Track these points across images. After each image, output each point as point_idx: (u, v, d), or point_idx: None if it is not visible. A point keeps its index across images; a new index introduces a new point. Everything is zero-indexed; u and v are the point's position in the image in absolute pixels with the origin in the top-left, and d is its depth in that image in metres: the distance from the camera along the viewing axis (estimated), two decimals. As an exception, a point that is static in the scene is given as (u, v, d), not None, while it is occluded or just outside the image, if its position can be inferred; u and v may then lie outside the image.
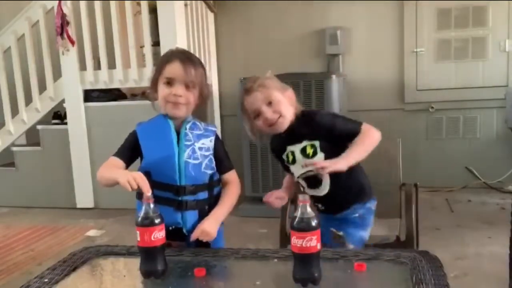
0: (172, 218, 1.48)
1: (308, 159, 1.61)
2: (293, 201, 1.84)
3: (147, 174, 1.44)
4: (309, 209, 1.09)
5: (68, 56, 4.19)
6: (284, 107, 1.60)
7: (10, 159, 4.56)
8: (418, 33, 4.42)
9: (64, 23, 4.10)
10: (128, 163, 1.54)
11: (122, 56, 4.13)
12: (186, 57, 1.56)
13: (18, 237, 3.59)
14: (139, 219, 1.18)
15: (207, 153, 1.55)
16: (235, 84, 3.64)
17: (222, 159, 1.59)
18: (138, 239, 1.19)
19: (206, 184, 1.54)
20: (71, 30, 4.15)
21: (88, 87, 4.25)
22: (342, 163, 1.50)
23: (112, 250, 1.43)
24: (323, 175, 1.61)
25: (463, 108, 4.40)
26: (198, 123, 1.59)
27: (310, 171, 1.58)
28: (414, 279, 1.10)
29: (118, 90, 4.41)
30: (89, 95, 4.28)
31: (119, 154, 1.54)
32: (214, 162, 1.56)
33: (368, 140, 1.58)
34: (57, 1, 4.10)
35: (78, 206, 4.31)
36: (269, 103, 1.59)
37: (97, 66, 4.24)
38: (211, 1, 4.65)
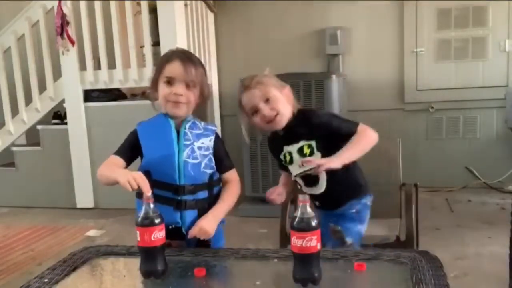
0: (171, 217, 1.48)
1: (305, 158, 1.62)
2: (293, 201, 1.84)
3: (147, 173, 1.45)
4: (309, 209, 1.09)
5: (68, 56, 4.19)
6: (282, 104, 1.62)
7: (10, 159, 4.56)
8: (418, 33, 4.42)
9: (64, 23, 4.10)
10: (129, 161, 1.54)
11: (122, 56, 4.13)
12: (186, 57, 1.56)
13: (18, 237, 3.59)
14: (139, 219, 1.18)
15: (206, 153, 1.55)
16: (235, 84, 3.58)
17: (222, 158, 1.59)
18: (138, 239, 1.18)
19: (206, 184, 1.54)
20: (71, 30, 4.15)
21: (88, 87, 4.25)
22: (336, 161, 1.52)
23: (112, 250, 1.43)
24: (320, 177, 1.63)
25: (463, 108, 4.40)
26: (197, 123, 1.59)
27: (308, 170, 1.59)
28: (414, 279, 1.10)
29: (118, 90, 4.40)
30: (89, 95, 4.28)
31: (120, 152, 1.54)
32: (213, 162, 1.56)
33: (364, 140, 1.59)
34: (57, 1, 4.10)
35: (78, 206, 4.31)
36: (267, 100, 1.61)
37: (97, 66, 4.24)
38: (211, 1, 4.65)
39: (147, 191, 1.28)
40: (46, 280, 1.20)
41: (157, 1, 3.98)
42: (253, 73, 1.68)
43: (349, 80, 4.33)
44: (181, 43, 3.89)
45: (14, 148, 4.56)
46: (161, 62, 1.58)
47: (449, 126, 4.45)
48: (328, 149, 1.60)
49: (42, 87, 4.39)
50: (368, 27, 4.48)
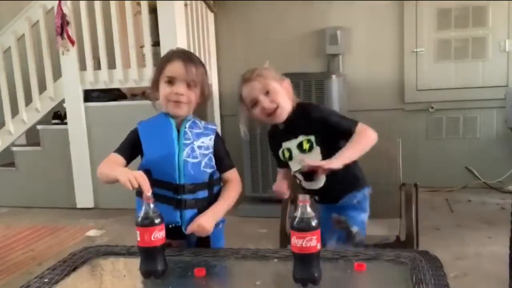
0: (171, 216, 1.48)
1: (304, 155, 1.64)
2: (293, 201, 1.85)
3: (147, 171, 1.45)
4: (309, 209, 1.09)
5: (68, 56, 4.19)
6: (282, 97, 1.64)
7: (10, 159, 4.56)
8: (418, 33, 4.42)
9: (64, 23, 4.10)
10: (129, 160, 1.54)
11: (122, 56, 4.13)
12: (187, 57, 1.57)
13: (18, 237, 3.59)
14: (139, 219, 1.18)
15: (206, 152, 1.55)
16: (235, 84, 3.60)
17: (223, 157, 1.59)
18: (138, 239, 1.18)
19: (206, 183, 1.54)
20: (71, 30, 4.15)
21: (88, 87, 4.25)
22: (337, 162, 1.52)
23: (112, 250, 1.42)
24: (322, 174, 1.63)
25: (463, 108, 4.40)
26: (198, 122, 1.59)
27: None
28: (414, 279, 1.10)
29: (118, 90, 4.40)
30: (89, 95, 4.28)
31: (120, 150, 1.54)
32: (214, 161, 1.56)
33: (364, 140, 1.60)
34: (57, 1, 4.10)
35: (78, 206, 4.31)
36: (267, 93, 1.62)
37: (97, 66, 4.24)
38: (211, 1, 4.65)
39: (147, 191, 1.28)
40: (46, 280, 1.20)
41: (157, 1, 3.97)
42: (253, 73, 1.69)
43: (349, 80, 4.33)
44: (181, 43, 3.89)
45: (14, 148, 4.56)
46: (162, 62, 1.59)
47: (449, 126, 4.45)
48: (327, 144, 1.62)
49: (42, 87, 4.39)
50: (368, 27, 4.48)
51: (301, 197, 1.10)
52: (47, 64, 4.32)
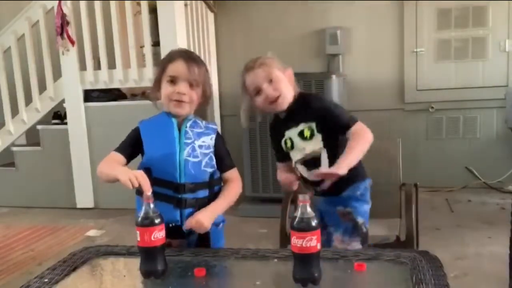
0: (171, 215, 1.48)
1: (306, 142, 1.65)
2: (293, 201, 1.85)
3: (148, 170, 1.45)
4: (309, 209, 1.09)
5: (68, 56, 4.19)
6: (284, 85, 1.66)
7: (10, 159, 4.56)
8: (418, 33, 4.42)
9: (64, 23, 4.10)
10: (129, 159, 1.54)
11: (122, 56, 4.13)
12: (189, 56, 1.57)
13: (18, 237, 3.59)
14: (139, 219, 1.18)
15: (207, 151, 1.55)
16: (235, 84, 3.61)
17: (223, 157, 1.59)
18: (138, 239, 1.18)
19: (207, 182, 1.54)
20: (71, 30, 4.15)
21: (88, 87, 4.25)
22: (343, 168, 1.53)
23: (112, 250, 1.42)
24: (322, 159, 1.66)
25: (463, 108, 4.40)
26: (199, 121, 1.59)
27: (308, 155, 1.63)
28: (414, 279, 1.10)
29: (118, 90, 4.40)
30: (89, 95, 4.28)
31: (120, 149, 1.54)
32: (214, 160, 1.56)
33: (363, 141, 1.61)
34: (57, 1, 4.10)
35: (78, 206, 4.31)
36: (270, 81, 1.64)
37: (97, 66, 4.24)
38: (211, 1, 4.65)
39: (148, 190, 1.28)
40: (46, 280, 1.20)
41: (157, 1, 3.98)
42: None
43: (349, 80, 4.33)
44: (181, 43, 3.89)
45: (14, 148, 4.56)
46: (164, 61, 1.59)
47: (449, 126, 4.45)
48: (328, 131, 1.64)
49: (42, 87, 4.39)
50: (368, 27, 4.48)
51: (301, 197, 1.10)
52: (47, 64, 4.32)
